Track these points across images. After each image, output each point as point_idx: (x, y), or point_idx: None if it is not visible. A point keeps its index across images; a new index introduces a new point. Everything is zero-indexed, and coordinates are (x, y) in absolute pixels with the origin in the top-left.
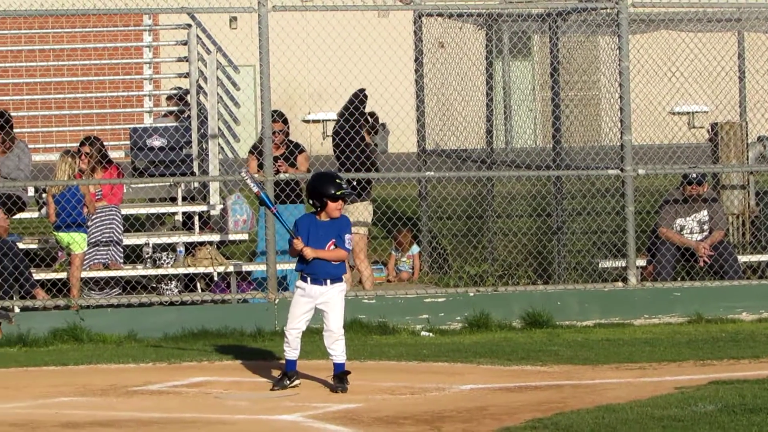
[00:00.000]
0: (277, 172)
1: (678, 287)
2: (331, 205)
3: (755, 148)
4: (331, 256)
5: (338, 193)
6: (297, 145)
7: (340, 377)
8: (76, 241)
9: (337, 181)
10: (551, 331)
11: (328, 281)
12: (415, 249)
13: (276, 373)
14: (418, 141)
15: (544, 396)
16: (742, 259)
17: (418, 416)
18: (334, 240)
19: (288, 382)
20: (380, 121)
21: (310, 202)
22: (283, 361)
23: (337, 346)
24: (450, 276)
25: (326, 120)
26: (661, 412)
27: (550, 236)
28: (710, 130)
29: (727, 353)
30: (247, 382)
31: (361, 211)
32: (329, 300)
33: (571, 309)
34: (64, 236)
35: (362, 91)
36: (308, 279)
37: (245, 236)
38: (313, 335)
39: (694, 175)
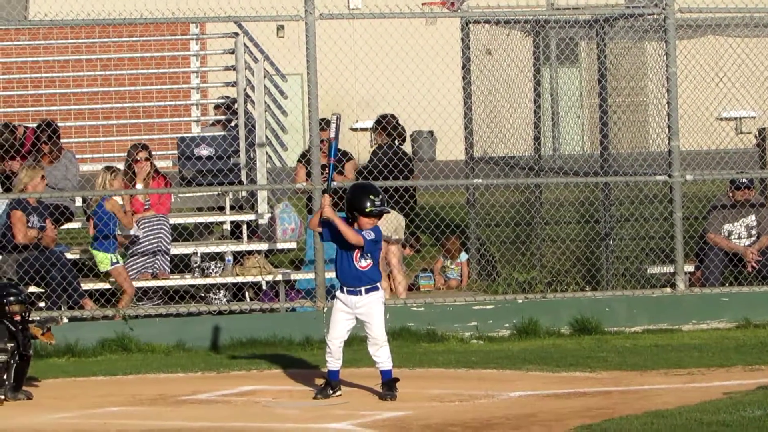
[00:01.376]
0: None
1: (726, 292)
2: (363, 220)
3: None
4: (345, 229)
5: (370, 210)
6: (345, 153)
7: (389, 384)
8: (99, 259)
9: (372, 197)
10: (600, 338)
11: (363, 290)
12: (463, 256)
13: (320, 382)
14: (465, 148)
15: (593, 402)
16: None
17: (466, 423)
18: (358, 250)
19: (331, 391)
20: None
21: (344, 213)
22: (326, 370)
23: (381, 353)
24: (498, 283)
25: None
26: (709, 418)
27: (598, 242)
28: (757, 135)
29: None
30: (296, 391)
31: (394, 221)
32: (367, 310)
33: (620, 315)
34: (94, 252)
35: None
36: (344, 289)
37: (293, 245)
38: (362, 343)
39: (742, 180)
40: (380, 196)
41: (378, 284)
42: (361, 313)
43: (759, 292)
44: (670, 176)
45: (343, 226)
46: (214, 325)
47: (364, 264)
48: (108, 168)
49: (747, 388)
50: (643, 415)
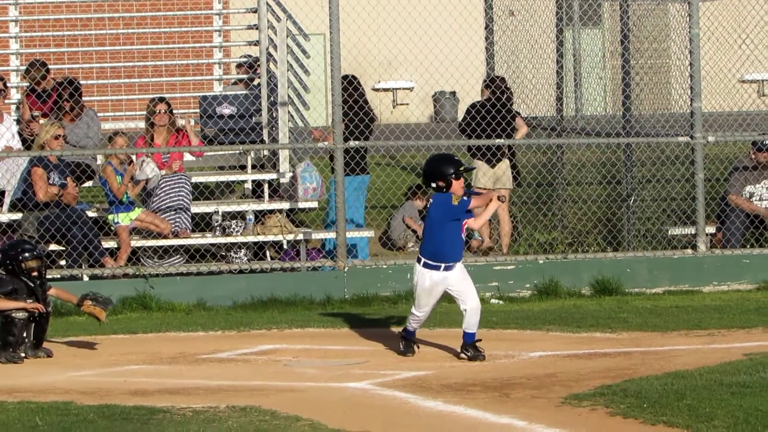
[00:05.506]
0: (347, 139)
1: (747, 254)
2: (455, 183)
3: None
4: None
5: (462, 169)
6: (368, 113)
7: (475, 346)
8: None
9: (455, 159)
10: (620, 299)
11: (457, 264)
12: None
13: (339, 342)
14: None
15: (613, 363)
16: None
17: (487, 383)
18: (467, 220)
19: (415, 346)
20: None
21: (434, 185)
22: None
23: (477, 319)
24: (520, 243)
25: (396, 88)
26: (729, 379)
27: (619, 204)
28: None
29: None
30: (316, 350)
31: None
32: (460, 280)
33: (641, 276)
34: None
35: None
36: (441, 267)
37: (315, 204)
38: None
39: (765, 142)
40: (457, 157)
41: None
42: (454, 285)
43: None
44: (692, 137)
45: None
46: (235, 285)
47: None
48: (116, 133)
49: (767, 350)
50: (663, 375)
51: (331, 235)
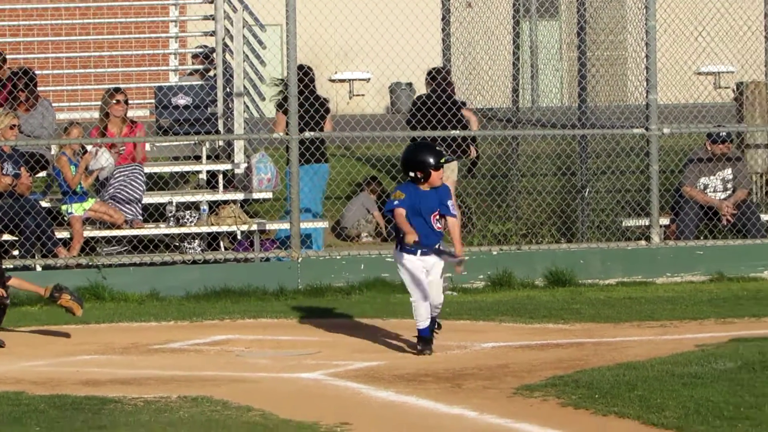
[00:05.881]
0: (302, 130)
1: (701, 246)
2: (434, 174)
3: None
4: (459, 238)
5: (442, 161)
6: (323, 104)
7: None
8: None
9: (436, 149)
10: (574, 290)
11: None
12: None
13: (291, 333)
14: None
15: (566, 354)
16: (765, 217)
17: (439, 374)
18: (438, 209)
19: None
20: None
21: (411, 174)
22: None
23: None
24: (474, 234)
25: (352, 79)
26: (681, 370)
27: (574, 195)
28: (735, 90)
29: (748, 311)
30: (268, 341)
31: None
32: (434, 269)
33: (594, 267)
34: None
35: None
36: (418, 252)
37: (269, 195)
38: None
39: (720, 134)
40: (438, 148)
41: None
42: (430, 276)
43: (733, 245)
44: (647, 129)
45: (459, 240)
46: (188, 275)
47: (440, 225)
48: (70, 124)
49: (719, 341)
50: (615, 366)
51: (285, 225)
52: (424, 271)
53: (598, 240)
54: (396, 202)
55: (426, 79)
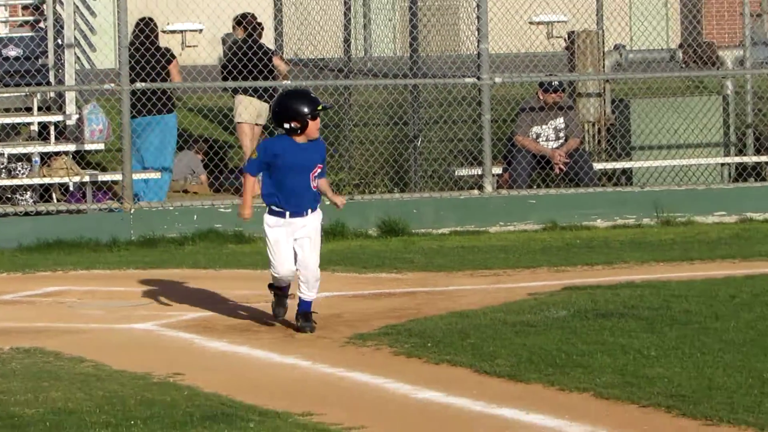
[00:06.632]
0: (133, 81)
1: (533, 195)
2: (311, 124)
3: (611, 56)
4: (328, 192)
5: (319, 108)
6: (164, 54)
7: (306, 316)
8: None
9: (311, 97)
10: (407, 239)
11: (309, 211)
12: None
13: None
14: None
15: (398, 303)
16: (597, 166)
17: (272, 324)
18: (320, 165)
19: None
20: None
21: (286, 126)
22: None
23: (314, 285)
24: None
25: (185, 30)
26: (514, 318)
27: (406, 145)
28: (567, 39)
29: (581, 260)
30: (101, 292)
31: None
32: (309, 233)
33: (427, 217)
34: None
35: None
36: (286, 214)
37: (101, 146)
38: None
39: (552, 83)
40: (313, 95)
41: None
42: (302, 236)
43: (566, 194)
44: (479, 78)
45: (329, 192)
46: (21, 227)
47: (315, 184)
48: None
49: (552, 289)
50: (448, 315)
51: (117, 176)
52: (291, 238)
53: (431, 189)
54: (246, 165)
55: (232, 25)
